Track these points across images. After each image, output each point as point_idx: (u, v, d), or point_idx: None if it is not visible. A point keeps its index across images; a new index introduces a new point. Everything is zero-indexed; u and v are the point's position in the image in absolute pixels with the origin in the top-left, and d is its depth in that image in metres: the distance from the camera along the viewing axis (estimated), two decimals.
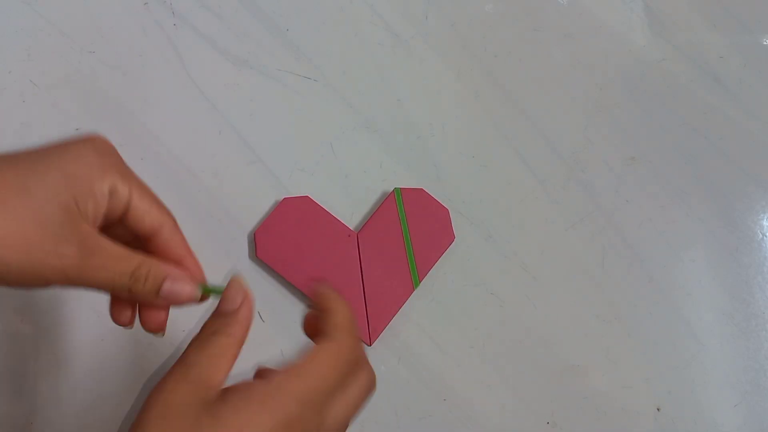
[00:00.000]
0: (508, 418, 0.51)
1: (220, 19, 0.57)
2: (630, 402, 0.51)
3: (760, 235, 0.56)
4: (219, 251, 0.52)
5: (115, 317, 0.34)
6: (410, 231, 0.52)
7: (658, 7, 0.61)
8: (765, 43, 0.60)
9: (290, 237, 0.51)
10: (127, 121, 0.54)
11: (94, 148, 0.31)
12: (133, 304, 0.35)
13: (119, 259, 0.31)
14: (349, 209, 0.54)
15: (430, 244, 0.52)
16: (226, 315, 0.32)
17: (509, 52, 0.59)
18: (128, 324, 0.35)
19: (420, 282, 0.51)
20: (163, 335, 0.35)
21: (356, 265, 0.51)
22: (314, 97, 0.56)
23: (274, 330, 0.50)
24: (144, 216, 0.33)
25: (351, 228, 0.52)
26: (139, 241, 0.34)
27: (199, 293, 0.34)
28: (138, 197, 0.33)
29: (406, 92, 0.57)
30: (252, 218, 0.53)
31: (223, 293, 0.33)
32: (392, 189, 0.53)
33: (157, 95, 0.55)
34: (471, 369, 0.51)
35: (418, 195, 0.53)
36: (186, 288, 0.33)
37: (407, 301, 0.51)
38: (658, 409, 0.51)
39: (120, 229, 0.33)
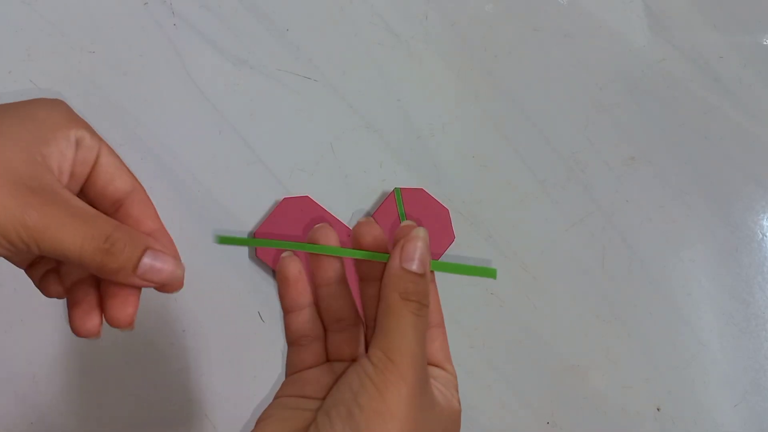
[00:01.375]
0: (508, 418, 0.51)
1: (220, 19, 0.57)
2: (630, 402, 0.51)
3: (760, 235, 0.56)
4: (219, 251, 0.52)
5: (79, 325, 0.28)
6: None
7: (658, 7, 0.61)
8: (765, 43, 0.60)
9: (290, 237, 0.51)
10: (127, 121, 0.54)
11: (60, 104, 0.29)
12: (99, 304, 0.29)
13: (91, 221, 0.26)
14: (349, 209, 0.54)
15: (431, 244, 0.52)
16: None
17: (509, 52, 0.59)
18: (95, 333, 0.29)
19: None
20: (132, 329, 0.29)
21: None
22: (314, 97, 0.56)
23: (274, 330, 0.50)
24: (113, 177, 0.29)
25: (351, 228, 0.52)
26: (106, 211, 0.29)
27: (181, 273, 0.28)
28: (107, 154, 0.29)
29: (406, 92, 0.57)
30: (252, 218, 0.53)
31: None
32: (392, 189, 0.53)
33: (157, 95, 0.55)
34: (471, 369, 0.51)
35: (418, 195, 0.53)
36: (168, 264, 0.27)
37: None
38: (658, 409, 0.51)
39: (84, 198, 0.29)
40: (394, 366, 0.26)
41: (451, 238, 0.52)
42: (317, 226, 0.31)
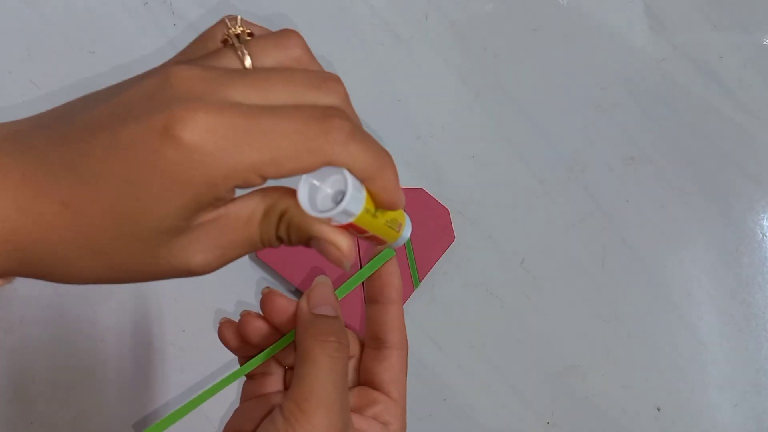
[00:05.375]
0: (508, 418, 0.51)
1: None
2: (630, 402, 0.51)
3: (760, 235, 0.56)
4: None
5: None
6: None
7: (658, 7, 0.61)
8: (765, 43, 0.60)
9: None
10: None
11: None
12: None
13: None
14: None
15: (430, 244, 0.52)
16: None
17: (509, 52, 0.59)
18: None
19: (420, 282, 0.51)
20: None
21: (356, 265, 0.51)
22: None
23: None
24: None
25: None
26: None
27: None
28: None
29: (406, 92, 0.57)
30: None
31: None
32: None
33: None
34: (471, 369, 0.51)
35: (418, 195, 0.53)
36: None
37: (407, 301, 0.51)
38: (658, 409, 0.51)
39: None
40: (304, 417, 0.25)
41: (451, 238, 0.52)
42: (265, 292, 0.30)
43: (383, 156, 0.24)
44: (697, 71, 0.59)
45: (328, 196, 0.23)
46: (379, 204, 0.24)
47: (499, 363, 0.52)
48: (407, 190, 0.53)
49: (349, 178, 0.22)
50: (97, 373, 0.49)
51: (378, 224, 0.25)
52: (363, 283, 0.32)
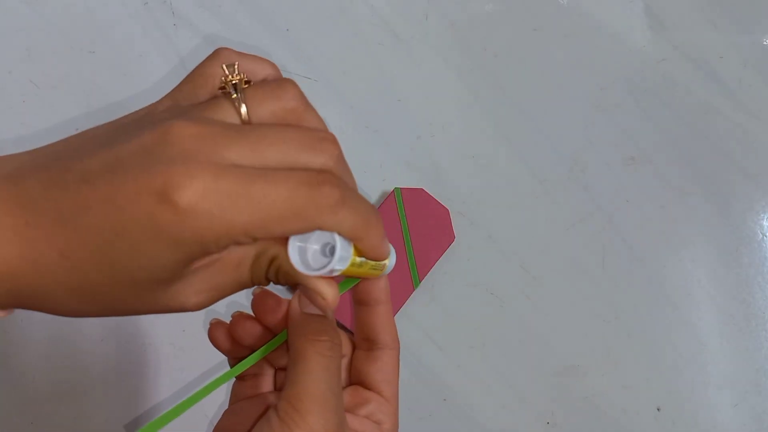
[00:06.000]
0: (508, 418, 0.51)
1: (220, 19, 0.57)
2: (630, 402, 0.51)
3: (760, 235, 0.56)
4: None
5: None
6: (410, 231, 0.52)
7: (658, 7, 0.61)
8: (765, 43, 0.60)
9: None
10: None
11: None
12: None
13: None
14: None
15: (430, 244, 0.52)
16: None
17: (509, 52, 0.59)
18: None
19: (420, 282, 0.51)
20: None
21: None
22: (314, 97, 0.56)
23: None
24: None
25: None
26: None
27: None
28: None
29: (406, 92, 0.57)
30: None
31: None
32: (392, 189, 0.53)
33: (157, 96, 0.55)
34: (471, 369, 0.51)
35: (418, 195, 0.53)
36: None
37: (407, 301, 0.51)
38: (658, 409, 0.51)
39: None
40: (299, 416, 0.26)
41: (451, 238, 0.52)
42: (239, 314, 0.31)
43: (370, 217, 0.24)
44: (697, 71, 0.59)
45: (316, 251, 0.24)
46: (365, 258, 0.25)
47: (499, 363, 0.52)
48: (407, 190, 0.53)
49: (338, 241, 0.23)
50: (97, 374, 0.49)
51: (363, 271, 0.27)
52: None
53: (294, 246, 0.23)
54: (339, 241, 0.23)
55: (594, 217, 0.55)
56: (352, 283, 0.31)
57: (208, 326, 0.31)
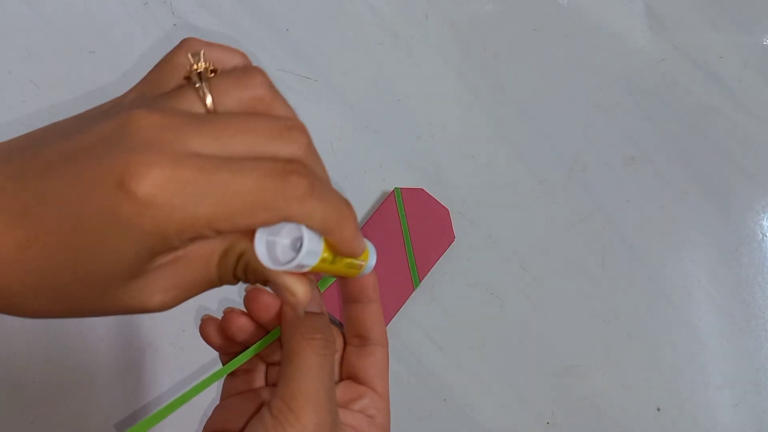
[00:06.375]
0: (508, 418, 0.51)
1: (220, 19, 0.57)
2: (630, 402, 0.51)
3: (760, 235, 0.56)
4: None
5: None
6: (410, 231, 0.52)
7: (658, 7, 0.61)
8: (765, 43, 0.60)
9: None
10: None
11: None
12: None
13: None
14: None
15: (430, 244, 0.52)
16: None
17: (509, 52, 0.59)
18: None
19: (420, 282, 0.51)
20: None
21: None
22: (314, 97, 0.56)
23: None
24: None
25: None
26: None
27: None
28: None
29: (406, 92, 0.57)
30: None
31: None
32: (392, 189, 0.53)
33: None
34: (471, 369, 0.51)
35: (418, 195, 0.53)
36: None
37: (407, 301, 0.51)
38: (658, 409, 0.51)
39: None
40: (293, 415, 0.25)
41: (451, 238, 0.52)
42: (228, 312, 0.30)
43: (341, 209, 0.23)
44: (697, 71, 0.59)
45: (286, 246, 0.23)
46: (338, 253, 0.24)
47: (499, 363, 0.52)
48: (407, 190, 0.53)
49: (305, 233, 0.22)
50: (97, 374, 0.49)
51: (337, 268, 0.25)
52: (338, 283, 0.32)
53: (261, 239, 0.22)
54: (306, 234, 0.22)
55: (594, 217, 0.55)
56: (327, 282, 0.31)
57: (200, 322, 0.31)
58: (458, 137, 0.57)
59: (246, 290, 0.30)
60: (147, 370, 0.50)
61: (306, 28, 0.58)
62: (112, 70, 0.55)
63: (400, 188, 0.53)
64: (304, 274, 0.24)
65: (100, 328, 0.49)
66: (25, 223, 0.20)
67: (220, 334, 0.30)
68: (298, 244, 0.22)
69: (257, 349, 0.30)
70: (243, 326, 0.29)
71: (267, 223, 0.21)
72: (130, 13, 0.57)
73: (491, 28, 0.60)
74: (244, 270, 0.24)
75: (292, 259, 0.22)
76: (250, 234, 0.23)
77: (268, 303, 0.29)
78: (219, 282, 0.25)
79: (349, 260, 0.26)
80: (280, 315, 0.29)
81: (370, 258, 0.28)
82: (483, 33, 0.60)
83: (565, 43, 0.60)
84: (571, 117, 0.58)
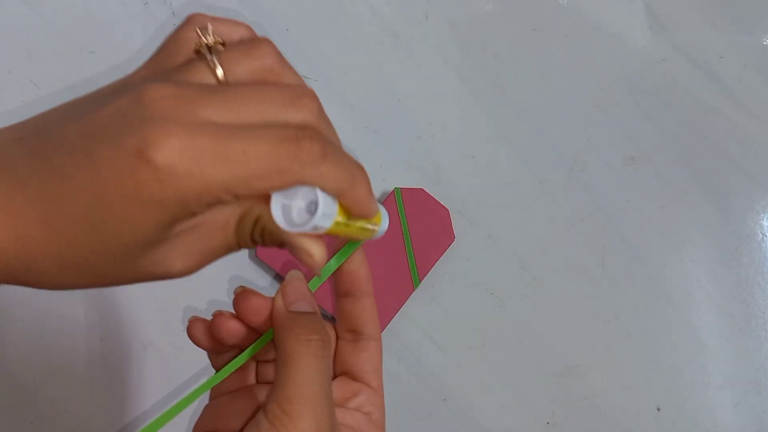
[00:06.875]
0: (508, 418, 0.51)
1: None
2: (630, 402, 0.51)
3: (760, 235, 0.56)
4: None
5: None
6: (410, 231, 0.52)
7: (658, 7, 0.61)
8: (765, 43, 0.60)
9: None
10: None
11: None
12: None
13: None
14: None
15: (430, 244, 0.52)
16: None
17: (509, 52, 0.59)
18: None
19: (420, 282, 0.51)
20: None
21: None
22: None
23: None
24: None
25: None
26: None
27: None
28: None
29: (406, 92, 0.57)
30: None
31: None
32: (392, 189, 0.53)
33: None
34: (471, 369, 0.51)
35: (418, 195, 0.53)
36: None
37: (407, 301, 0.51)
38: (658, 409, 0.51)
39: None
40: (290, 420, 0.25)
41: (451, 238, 0.52)
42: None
43: (355, 171, 0.24)
44: (697, 71, 0.59)
45: (301, 208, 0.23)
46: (352, 215, 0.25)
47: (499, 363, 0.52)
48: (407, 190, 0.53)
49: (320, 196, 0.23)
50: (97, 374, 0.49)
51: (351, 230, 0.26)
52: (331, 277, 0.32)
53: (277, 202, 0.23)
54: (321, 197, 0.23)
55: (594, 217, 0.55)
56: (319, 282, 0.30)
57: (187, 324, 0.30)
58: (458, 137, 0.57)
59: (235, 292, 0.29)
60: (147, 370, 0.50)
61: (306, 28, 0.58)
62: (112, 70, 0.55)
63: (400, 188, 0.53)
64: (320, 236, 0.24)
65: (100, 328, 0.49)
66: (48, 200, 0.21)
67: (209, 336, 0.30)
68: (313, 207, 0.23)
69: (250, 353, 0.29)
70: (232, 330, 0.29)
71: (282, 187, 0.22)
72: (130, 13, 0.57)
73: (491, 28, 0.60)
74: (261, 233, 0.24)
75: (308, 221, 0.23)
76: (266, 198, 0.23)
77: (258, 305, 0.29)
78: (237, 246, 0.25)
79: (362, 223, 0.26)
80: (270, 317, 0.29)
81: (382, 222, 0.28)
82: (483, 33, 0.60)
83: (565, 43, 0.60)
84: (571, 117, 0.58)
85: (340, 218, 0.24)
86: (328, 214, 0.23)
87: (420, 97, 0.57)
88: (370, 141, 0.56)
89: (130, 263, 0.22)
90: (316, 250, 0.24)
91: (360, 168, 0.25)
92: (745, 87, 0.59)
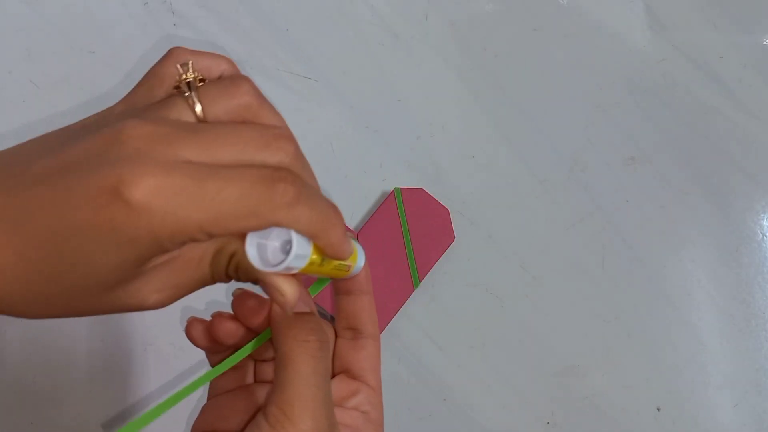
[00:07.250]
0: (508, 418, 0.51)
1: (220, 19, 0.57)
2: (630, 402, 0.51)
3: (760, 235, 0.56)
4: None
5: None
6: (410, 231, 0.52)
7: (658, 7, 0.61)
8: (765, 43, 0.60)
9: None
10: None
11: None
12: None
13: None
14: (349, 209, 0.54)
15: (430, 244, 0.52)
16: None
17: (509, 52, 0.59)
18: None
19: (420, 282, 0.51)
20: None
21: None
22: (314, 97, 0.56)
23: None
24: None
25: (351, 228, 0.52)
26: None
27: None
28: None
29: (406, 92, 0.57)
30: None
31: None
32: (392, 189, 0.53)
33: None
34: (471, 369, 0.51)
35: (418, 195, 0.53)
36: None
37: (407, 301, 0.51)
38: (658, 409, 0.51)
39: None
40: (290, 422, 0.25)
41: (451, 238, 0.52)
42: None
43: (328, 214, 0.24)
44: (697, 71, 0.59)
45: (276, 248, 0.24)
46: (326, 256, 0.25)
47: (499, 363, 0.52)
48: (407, 190, 0.53)
49: (294, 237, 0.23)
50: (97, 374, 0.49)
51: (326, 269, 0.26)
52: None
53: (252, 242, 0.23)
54: (295, 238, 0.23)
55: (594, 217, 0.55)
56: (323, 284, 0.31)
57: (185, 324, 0.31)
58: (458, 137, 0.57)
59: (233, 294, 0.30)
60: (147, 370, 0.50)
61: (306, 28, 0.58)
62: (113, 71, 0.55)
63: (400, 188, 0.53)
64: (294, 275, 0.25)
65: (100, 328, 0.49)
66: (22, 232, 0.21)
67: (207, 336, 0.30)
68: (288, 247, 0.23)
69: (248, 351, 0.30)
70: (231, 331, 0.29)
71: (256, 228, 0.22)
72: (130, 13, 0.57)
73: (491, 28, 0.60)
74: (236, 269, 0.25)
75: (282, 262, 0.23)
76: (242, 235, 0.23)
77: (256, 308, 0.29)
78: (212, 280, 0.25)
79: (337, 262, 0.26)
80: (269, 318, 0.29)
81: (358, 260, 0.29)
82: (483, 33, 0.60)
83: (565, 43, 0.60)
84: (571, 117, 0.58)
85: (314, 258, 0.24)
86: (302, 255, 0.23)
87: (420, 97, 0.57)
88: (370, 141, 0.56)
89: (102, 296, 0.22)
90: (288, 290, 0.25)
91: (334, 210, 0.25)
92: (745, 87, 0.59)
